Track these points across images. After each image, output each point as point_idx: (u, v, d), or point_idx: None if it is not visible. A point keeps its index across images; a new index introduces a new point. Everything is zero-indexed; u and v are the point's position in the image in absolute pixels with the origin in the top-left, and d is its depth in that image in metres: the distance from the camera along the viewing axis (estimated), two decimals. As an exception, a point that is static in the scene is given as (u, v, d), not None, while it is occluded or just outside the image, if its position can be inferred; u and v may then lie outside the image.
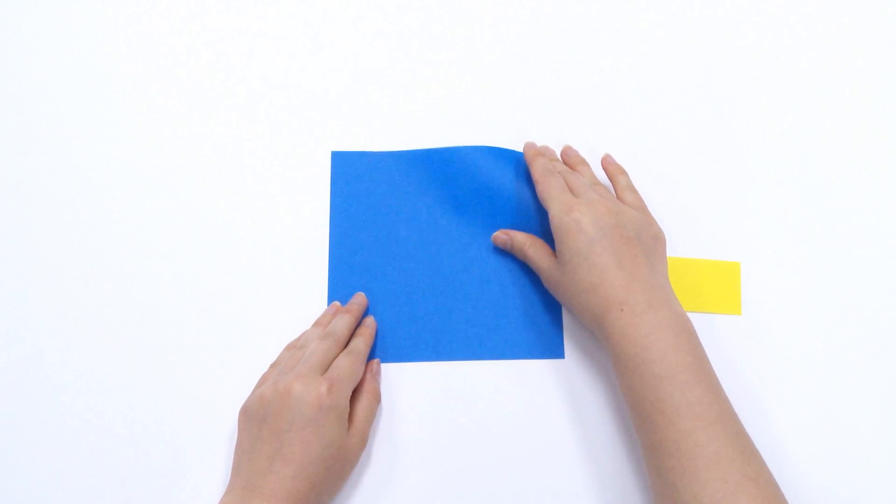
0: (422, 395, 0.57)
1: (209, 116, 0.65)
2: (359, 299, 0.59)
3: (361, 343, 0.56)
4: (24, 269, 0.60)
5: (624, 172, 0.61)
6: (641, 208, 0.58)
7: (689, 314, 0.52)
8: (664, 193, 0.63)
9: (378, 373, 0.57)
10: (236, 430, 0.53)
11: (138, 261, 0.60)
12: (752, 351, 0.58)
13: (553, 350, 0.58)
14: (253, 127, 0.64)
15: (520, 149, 0.62)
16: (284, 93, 0.65)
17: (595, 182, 0.60)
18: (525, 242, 0.58)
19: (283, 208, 0.62)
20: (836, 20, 0.68)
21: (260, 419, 0.50)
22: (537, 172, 0.58)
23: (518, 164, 0.61)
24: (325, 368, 0.52)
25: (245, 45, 0.67)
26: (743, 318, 0.59)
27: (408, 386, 0.57)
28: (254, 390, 0.54)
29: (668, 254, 0.61)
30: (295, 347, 0.56)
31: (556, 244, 0.55)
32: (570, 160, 0.61)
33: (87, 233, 0.61)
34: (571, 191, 0.56)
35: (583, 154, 0.63)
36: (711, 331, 0.58)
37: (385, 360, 0.58)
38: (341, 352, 0.54)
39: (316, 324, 0.58)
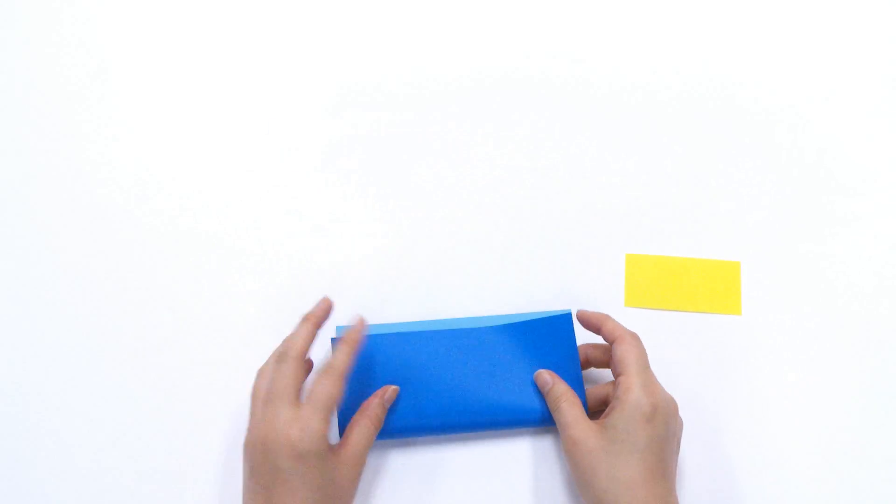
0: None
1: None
2: (322, 304, 0.54)
3: (340, 356, 0.51)
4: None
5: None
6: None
7: (689, 314, 0.51)
8: (665, 193, 0.63)
9: (389, 400, 0.54)
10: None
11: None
12: (752, 351, 0.58)
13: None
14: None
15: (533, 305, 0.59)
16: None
17: None
18: (565, 393, 0.53)
19: None
20: (837, 20, 0.68)
21: (249, 468, 0.49)
22: (620, 329, 0.53)
23: (537, 336, 0.57)
24: (293, 396, 0.49)
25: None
26: (743, 318, 0.59)
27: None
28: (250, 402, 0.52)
29: (669, 253, 0.61)
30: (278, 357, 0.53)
31: (613, 414, 0.49)
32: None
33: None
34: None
35: (583, 155, 0.62)
36: (711, 331, 0.58)
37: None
38: (302, 366, 0.51)
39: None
